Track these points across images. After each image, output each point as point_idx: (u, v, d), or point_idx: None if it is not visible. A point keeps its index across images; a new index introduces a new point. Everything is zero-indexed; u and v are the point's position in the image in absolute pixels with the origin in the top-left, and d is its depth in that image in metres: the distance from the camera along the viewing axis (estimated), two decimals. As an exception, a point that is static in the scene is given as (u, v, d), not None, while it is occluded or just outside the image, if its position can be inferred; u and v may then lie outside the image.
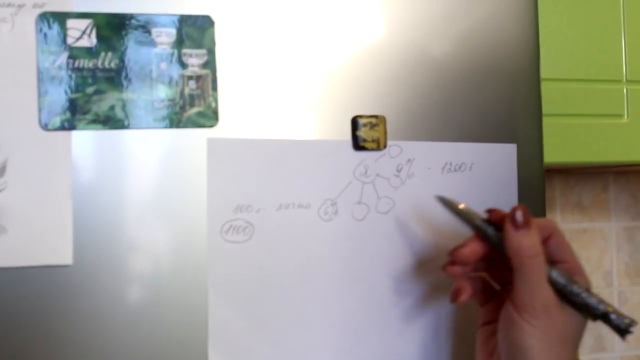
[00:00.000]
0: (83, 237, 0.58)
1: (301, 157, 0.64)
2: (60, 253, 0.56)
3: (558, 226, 0.62)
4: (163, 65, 0.59)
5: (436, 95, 0.69)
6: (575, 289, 0.59)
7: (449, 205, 0.63)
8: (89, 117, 0.58)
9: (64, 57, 0.57)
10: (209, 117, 0.61)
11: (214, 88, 0.61)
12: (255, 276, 0.62)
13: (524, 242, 0.60)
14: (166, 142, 0.60)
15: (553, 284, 0.60)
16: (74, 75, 0.57)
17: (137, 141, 0.59)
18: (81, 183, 0.58)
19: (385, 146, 0.66)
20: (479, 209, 0.68)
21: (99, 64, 0.57)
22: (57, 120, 0.57)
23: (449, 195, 0.65)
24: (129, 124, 0.59)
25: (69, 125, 0.57)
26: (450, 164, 0.69)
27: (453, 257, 0.61)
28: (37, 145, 0.56)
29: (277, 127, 0.64)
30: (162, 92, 0.59)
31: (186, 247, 0.60)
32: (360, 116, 0.66)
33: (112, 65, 0.58)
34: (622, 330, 0.57)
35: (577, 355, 0.61)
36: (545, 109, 0.76)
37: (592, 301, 0.59)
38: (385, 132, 0.66)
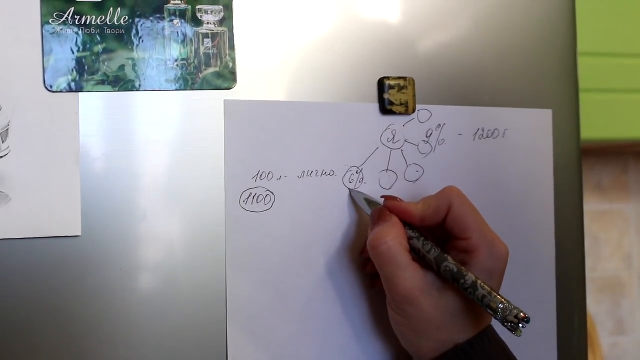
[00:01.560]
0: (92, 207, 0.54)
1: (325, 121, 0.60)
2: (68, 224, 0.53)
3: (461, 195, 0.57)
4: (176, 22, 0.55)
5: (468, 58, 0.65)
6: (463, 283, 0.54)
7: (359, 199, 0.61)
8: (97, 78, 0.54)
9: (69, 12, 0.53)
10: (226, 78, 0.57)
11: (232, 47, 0.57)
12: (276, 248, 0.59)
13: (371, 235, 0.57)
14: (180, 105, 0.56)
15: (443, 275, 0.56)
16: (80, 33, 0.53)
17: (149, 104, 0.56)
18: (89, 149, 0.54)
19: (414, 110, 0.62)
20: (513, 178, 0.64)
21: (107, 20, 0.54)
22: (62, 82, 0.53)
23: (482, 163, 0.63)
24: (140, 86, 0.55)
25: (75, 87, 0.53)
26: (483, 130, 0.65)
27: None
28: (42, 108, 0.53)
29: (299, 89, 0.60)
30: (176, 51, 0.55)
31: (203, 218, 0.57)
32: (388, 78, 0.62)
33: (122, 21, 0.54)
34: (511, 327, 0.52)
35: (484, 325, 0.57)
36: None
37: (477, 296, 0.54)
38: (414, 96, 0.62)
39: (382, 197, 0.60)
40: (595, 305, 1.73)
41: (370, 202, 0.60)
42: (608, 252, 1.75)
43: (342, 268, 0.61)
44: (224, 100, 0.57)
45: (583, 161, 1.79)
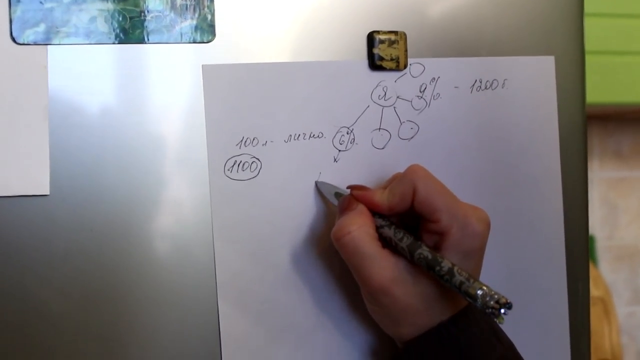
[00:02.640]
0: (62, 165, 0.52)
1: (311, 81, 0.58)
2: (36, 182, 0.51)
3: (425, 175, 0.54)
4: (150, -29, 0.52)
5: (463, 9, 0.62)
6: (438, 270, 0.51)
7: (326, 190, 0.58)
8: (66, 30, 0.51)
9: (35, -39, 0.50)
10: (205, 31, 0.54)
11: (210, -2, 0.54)
12: (265, 217, 0.56)
13: (335, 226, 0.54)
14: (156, 59, 0.54)
15: (417, 263, 0.53)
16: (48, -17, 0.51)
17: (122, 58, 0.53)
18: (59, 105, 0.52)
19: (405, 66, 0.60)
20: (515, 131, 0.61)
21: (77, -31, 0.51)
22: (30, 33, 0.51)
23: (481, 117, 0.60)
24: (112, 39, 0.52)
25: (44, 39, 0.51)
26: (480, 81, 0.62)
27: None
28: (8, 61, 0.50)
29: (282, 43, 0.57)
30: (150, 2, 0.53)
31: (178, 175, 0.54)
32: (378, 32, 0.59)
33: (92, -29, 0.51)
34: (492, 313, 0.49)
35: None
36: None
37: (454, 283, 0.51)
38: (406, 50, 0.60)
39: (348, 187, 0.57)
40: (612, 274, 1.70)
41: (339, 195, 0.57)
42: (626, 220, 1.72)
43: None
44: (202, 66, 0.55)
45: (601, 127, 1.77)
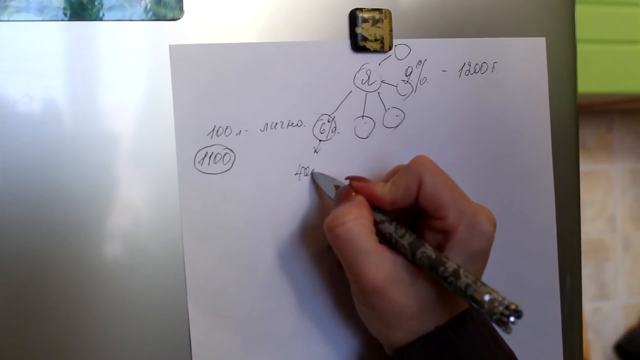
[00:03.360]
0: (12, 155, 0.46)
1: (289, 64, 0.53)
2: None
3: (432, 167, 0.49)
4: (110, -60, 0.47)
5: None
6: (442, 271, 0.47)
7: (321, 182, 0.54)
8: (16, 4, 0.46)
9: None
10: (172, 7, 0.49)
11: (177, -30, 0.49)
12: (239, 213, 0.52)
13: (329, 216, 0.50)
14: (117, 38, 0.49)
15: (418, 263, 0.48)
16: (-6, -48, 0.45)
17: (80, 37, 0.48)
18: (8, 89, 0.46)
19: (390, 47, 0.55)
20: (506, 117, 0.58)
21: (27, -64, 0.45)
22: (-27, 8, 0.45)
23: (470, 102, 0.57)
24: (68, 15, 0.47)
25: (-11, 15, 0.45)
26: (469, 65, 0.58)
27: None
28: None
29: (258, 23, 0.52)
30: (110, -25, 0.47)
31: (146, 181, 0.49)
32: (361, 9, 0.55)
33: (44, -61, 0.46)
34: (499, 320, 0.45)
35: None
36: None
37: (459, 286, 0.46)
38: (391, 30, 0.55)
39: (346, 178, 0.52)
40: (580, 269, 1.69)
41: (338, 187, 0.52)
42: (591, 214, 1.71)
43: (315, 233, 0.54)
44: (169, 46, 0.49)
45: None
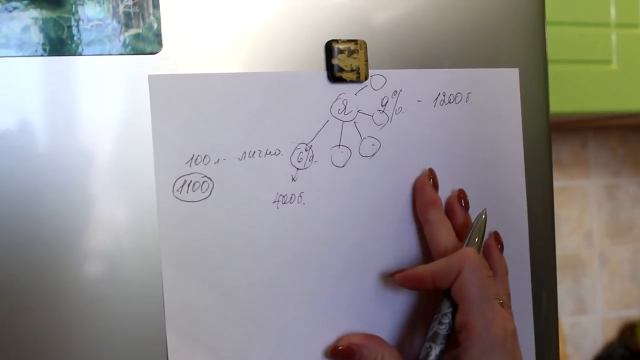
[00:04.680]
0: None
1: (266, 94, 0.54)
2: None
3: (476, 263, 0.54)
4: (89, -23, 0.48)
5: (425, 19, 0.59)
6: None
7: None
8: (-5, 40, 0.46)
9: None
10: (150, 42, 0.50)
11: (156, 5, 0.50)
12: (217, 241, 0.52)
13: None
14: (97, 72, 0.49)
15: None
16: (-27, -12, 0.45)
17: (60, 71, 0.48)
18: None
19: (366, 77, 0.56)
20: (479, 147, 0.59)
21: (7, -26, 0.46)
22: (-47, 45, 0.45)
23: (445, 132, 0.58)
24: (47, 50, 0.47)
25: (-31, 51, 0.46)
26: (444, 95, 0.59)
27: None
28: None
29: (234, 54, 0.53)
30: (90, 10, 0.48)
31: (127, 210, 0.49)
32: (337, 41, 0.55)
33: (24, -24, 0.46)
34: None
35: None
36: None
37: None
38: (367, 60, 0.56)
39: (390, 276, 0.56)
40: (557, 285, 1.70)
41: None
42: (568, 229, 1.72)
43: (294, 260, 0.55)
44: (149, 76, 0.50)
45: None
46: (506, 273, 0.59)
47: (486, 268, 0.54)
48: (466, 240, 0.56)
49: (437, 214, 0.56)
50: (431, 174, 0.58)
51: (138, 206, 0.50)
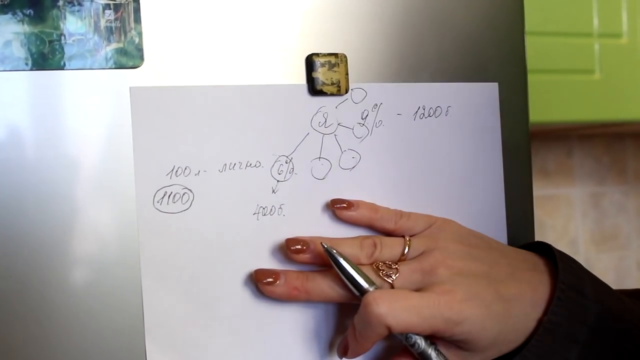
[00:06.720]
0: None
1: (247, 106, 0.54)
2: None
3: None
4: (71, -9, 0.48)
5: (405, 32, 0.60)
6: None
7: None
8: (-24, 55, 0.46)
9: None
10: (132, 56, 0.50)
11: (137, 20, 0.50)
12: (197, 252, 0.53)
13: None
14: (78, 87, 0.49)
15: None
16: (-44, 3, 0.46)
17: (41, 86, 0.48)
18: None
19: (347, 90, 0.57)
20: (459, 160, 0.59)
21: (-11, -11, 0.46)
22: None
23: (424, 145, 0.58)
24: (29, 64, 0.48)
25: (-50, 66, 0.46)
26: (424, 108, 0.60)
27: None
28: None
29: (215, 68, 0.54)
30: (72, 25, 0.48)
31: (109, 222, 0.49)
32: (317, 54, 0.56)
33: (6, -10, 0.47)
34: None
35: None
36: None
37: None
38: (347, 74, 0.57)
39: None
40: (543, 293, 1.71)
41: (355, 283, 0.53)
42: (554, 237, 1.73)
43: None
44: (130, 88, 0.50)
45: (527, 146, 1.78)
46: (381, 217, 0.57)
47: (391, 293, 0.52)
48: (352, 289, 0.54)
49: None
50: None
51: (121, 217, 0.50)
